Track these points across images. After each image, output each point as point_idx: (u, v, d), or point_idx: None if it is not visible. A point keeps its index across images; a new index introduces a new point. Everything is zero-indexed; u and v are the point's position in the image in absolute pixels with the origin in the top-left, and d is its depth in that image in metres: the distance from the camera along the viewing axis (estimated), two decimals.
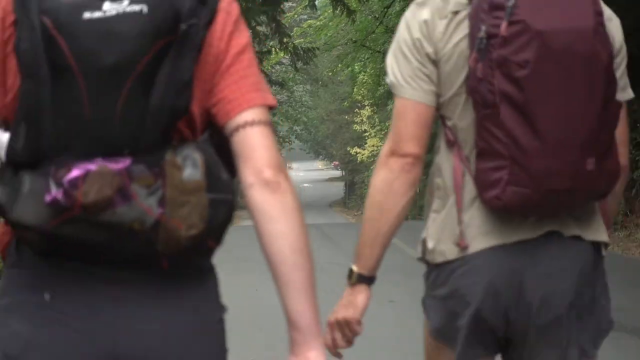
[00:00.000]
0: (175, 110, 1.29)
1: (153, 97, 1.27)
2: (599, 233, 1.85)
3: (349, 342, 1.96)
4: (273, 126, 1.40)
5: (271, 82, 22.84)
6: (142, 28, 1.26)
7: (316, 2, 19.41)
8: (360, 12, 20.56)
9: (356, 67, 24.07)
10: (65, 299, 1.31)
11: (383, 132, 30.62)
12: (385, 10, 19.98)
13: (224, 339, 1.53)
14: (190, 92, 1.31)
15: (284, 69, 34.02)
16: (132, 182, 1.25)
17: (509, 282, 1.77)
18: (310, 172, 68.94)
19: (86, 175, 1.23)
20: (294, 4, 29.45)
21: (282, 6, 18.53)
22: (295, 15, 26.90)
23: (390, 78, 1.84)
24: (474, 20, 1.72)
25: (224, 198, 1.32)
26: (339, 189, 49.10)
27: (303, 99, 43.28)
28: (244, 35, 1.40)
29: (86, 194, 1.22)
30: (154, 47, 1.26)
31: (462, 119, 1.79)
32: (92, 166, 1.24)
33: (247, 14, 16.25)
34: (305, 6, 20.02)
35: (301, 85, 42.36)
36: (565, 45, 1.67)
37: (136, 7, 1.25)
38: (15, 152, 1.28)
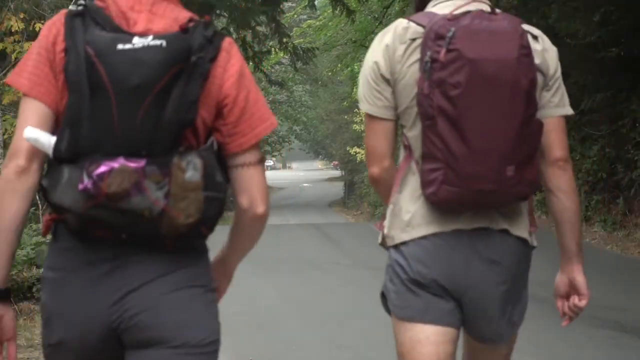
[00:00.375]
0: (183, 122, 1.65)
1: (166, 111, 1.62)
2: (524, 231, 2.23)
3: None
4: (264, 158, 1.83)
5: (271, 82, 22.79)
6: (161, 57, 1.60)
7: (316, 2, 19.39)
8: (359, 12, 20.56)
9: (356, 67, 24.04)
10: (87, 274, 1.68)
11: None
12: (385, 10, 20.00)
13: (215, 305, 1.82)
14: (196, 109, 1.66)
15: (283, 68, 34.04)
16: (146, 178, 1.59)
17: (453, 261, 2.11)
18: (310, 172, 68.94)
19: (110, 171, 1.57)
20: (293, 4, 29.45)
21: (281, 6, 18.53)
22: (295, 15, 26.89)
23: (359, 98, 2.23)
24: (423, 46, 2.05)
25: (217, 196, 1.67)
26: (338, 188, 49.11)
27: (303, 98, 43.31)
28: (247, 77, 1.79)
29: (109, 186, 1.57)
30: (169, 72, 1.61)
31: (413, 128, 2.12)
32: (116, 164, 1.58)
33: (247, 14, 16.27)
34: (305, 6, 20.00)
35: (301, 85, 42.38)
36: (492, 71, 1.99)
37: (157, 42, 1.61)
38: (60, 151, 1.64)
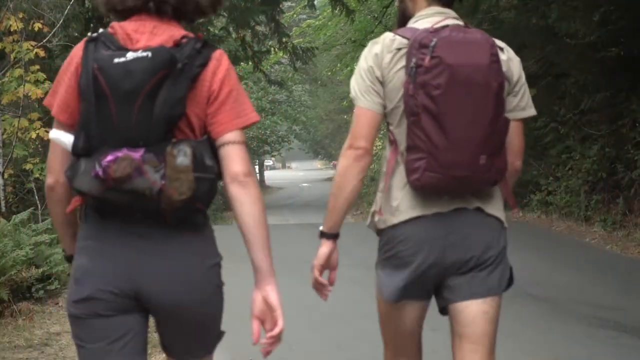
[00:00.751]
0: (170, 117, 1.99)
1: (156, 109, 1.96)
2: (497, 211, 2.54)
3: (321, 287, 2.74)
4: (247, 144, 2.14)
5: (270, 81, 22.79)
6: (147, 66, 1.94)
7: (315, 2, 19.39)
8: (359, 11, 20.54)
9: (355, 67, 24.04)
10: (109, 244, 2.06)
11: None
12: (385, 10, 19.98)
13: (219, 276, 2.16)
14: (182, 106, 2.00)
15: (283, 68, 34.01)
16: (145, 164, 1.94)
17: (434, 241, 2.46)
18: (310, 171, 68.90)
19: (116, 159, 1.93)
20: (293, 4, 29.43)
21: (281, 6, 18.52)
22: (295, 15, 26.86)
23: (352, 94, 2.54)
24: (409, 54, 2.40)
25: (207, 177, 2.01)
26: None
27: (302, 98, 43.29)
28: (233, 79, 2.11)
29: (115, 171, 1.93)
30: (155, 77, 1.95)
31: (399, 125, 2.48)
32: (120, 154, 1.94)
33: (247, 13, 16.27)
34: (305, 6, 19.99)
35: (300, 85, 42.38)
36: (467, 75, 2.34)
37: (144, 54, 1.96)
38: (77, 148, 2.03)
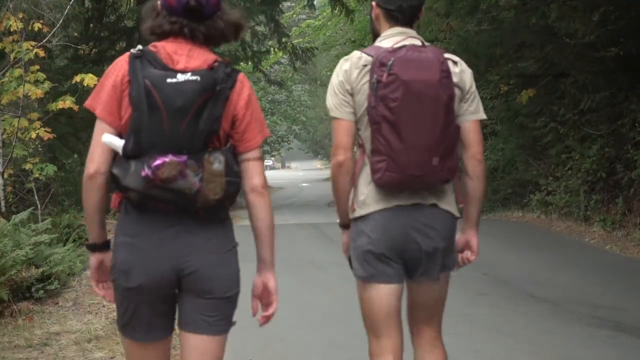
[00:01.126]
0: (211, 131, 2.38)
1: (200, 124, 2.35)
2: (450, 206, 2.94)
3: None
4: (263, 157, 2.60)
5: (270, 81, 22.82)
6: (197, 88, 2.33)
7: (315, 2, 19.39)
8: (358, 11, 20.56)
9: None
10: (147, 236, 2.42)
11: None
12: None
13: (237, 257, 2.54)
14: (220, 123, 2.40)
15: (282, 68, 34.03)
16: (187, 168, 2.31)
17: (397, 230, 2.87)
18: (309, 171, 68.86)
19: (163, 163, 2.29)
20: (292, 4, 29.43)
21: (280, 6, 18.52)
22: (294, 15, 26.86)
23: (327, 107, 2.93)
24: (371, 71, 2.80)
25: (235, 180, 2.41)
26: None
27: (302, 98, 43.28)
28: (254, 99, 2.51)
29: (162, 173, 2.29)
30: (201, 98, 2.34)
31: (365, 130, 2.87)
32: (167, 159, 2.30)
33: (246, 13, 16.21)
34: (304, 6, 20.02)
35: (300, 85, 42.38)
36: (420, 89, 2.73)
37: (194, 77, 2.34)
38: (127, 151, 2.35)
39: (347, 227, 3.06)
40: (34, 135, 9.70)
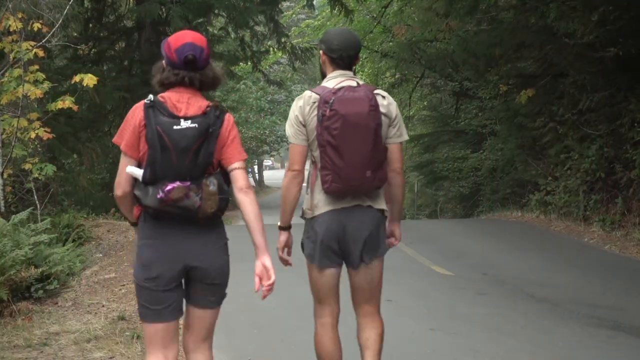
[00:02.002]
0: (207, 163, 3.19)
1: (199, 158, 3.16)
2: (381, 205, 3.80)
3: (285, 261, 3.96)
4: (246, 167, 3.39)
5: (269, 81, 22.76)
6: (196, 133, 3.14)
7: (314, 2, 19.35)
8: (358, 11, 20.55)
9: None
10: (163, 243, 3.21)
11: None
12: (383, 10, 19.98)
13: (227, 250, 3.35)
14: (213, 156, 3.20)
15: (281, 68, 34.03)
16: (190, 191, 3.12)
17: (338, 227, 3.72)
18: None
19: (173, 188, 3.09)
20: (292, 4, 29.41)
21: (280, 6, 18.51)
22: (293, 15, 26.86)
23: (287, 135, 3.77)
24: (318, 107, 3.65)
25: (225, 197, 3.22)
26: None
27: None
28: (235, 130, 3.31)
29: (173, 195, 3.09)
30: (199, 140, 3.15)
31: (316, 151, 3.70)
32: (175, 185, 3.09)
33: (246, 13, 16.24)
34: (303, 6, 20.00)
35: (299, 85, 42.33)
36: (354, 120, 3.59)
37: (193, 125, 3.14)
38: (145, 179, 3.15)
39: (287, 229, 3.90)
40: (33, 135, 9.70)
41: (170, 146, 3.11)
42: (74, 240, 10.00)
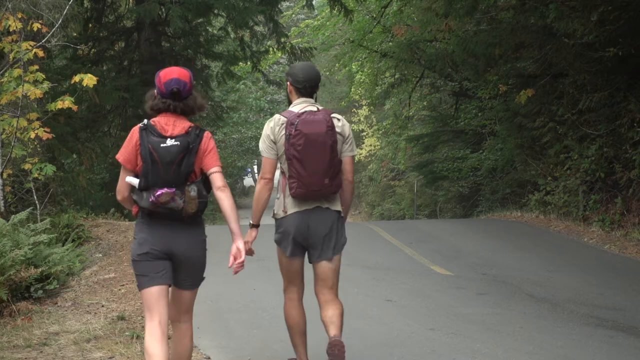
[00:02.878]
0: (188, 173, 3.96)
1: (182, 169, 3.94)
2: (337, 207, 4.60)
3: (251, 251, 4.62)
4: (223, 171, 4.13)
5: (269, 81, 22.77)
6: (178, 149, 3.93)
7: (313, 2, 19.34)
8: (357, 11, 20.53)
9: (353, 67, 24.00)
10: (154, 231, 4.01)
11: (380, 132, 30.55)
12: (383, 10, 19.98)
13: (205, 245, 4.14)
14: (193, 167, 3.98)
15: (281, 68, 34.01)
16: (175, 196, 3.92)
17: (303, 224, 4.54)
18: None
19: (162, 194, 3.89)
20: (291, 4, 29.43)
21: (279, 6, 18.51)
22: (293, 15, 26.87)
23: (260, 149, 4.55)
24: (286, 128, 4.46)
25: (204, 200, 4.03)
26: None
27: None
28: (213, 144, 4.06)
29: (161, 199, 3.90)
30: (180, 154, 3.93)
31: (284, 163, 4.52)
32: (163, 191, 3.90)
33: (245, 13, 16.24)
34: (303, 6, 19.99)
35: None
36: (314, 138, 4.39)
37: (175, 142, 3.93)
38: (140, 186, 3.96)
39: (257, 227, 4.69)
40: (33, 135, 9.69)
41: (158, 160, 3.93)
42: (73, 240, 10.00)
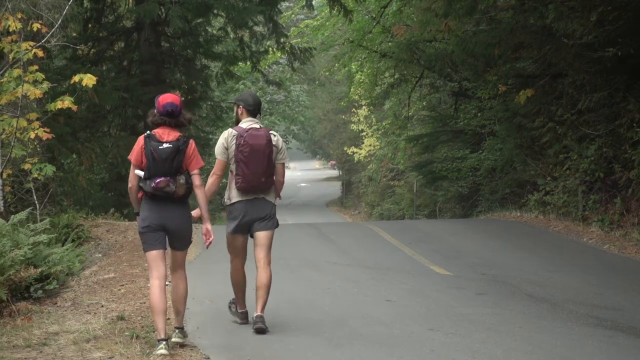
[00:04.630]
0: (178, 167, 5.55)
1: (174, 164, 5.53)
2: (271, 199, 6.08)
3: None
4: (201, 174, 5.77)
5: (268, 81, 22.75)
6: (171, 150, 5.51)
7: (313, 2, 19.33)
8: (357, 11, 20.52)
9: (353, 67, 23.98)
10: (155, 209, 5.56)
11: (380, 132, 30.55)
12: (382, 10, 19.97)
13: (191, 220, 5.74)
14: (182, 163, 5.58)
15: (281, 68, 34.01)
16: (170, 182, 5.50)
17: (247, 211, 6.00)
18: (308, 171, 68.78)
19: (160, 181, 5.47)
20: (291, 4, 29.42)
21: (279, 6, 18.51)
22: (292, 15, 26.85)
23: (215, 153, 6.08)
24: (236, 139, 5.97)
25: (189, 186, 5.60)
26: (335, 188, 49.02)
27: (300, 98, 43.21)
28: (195, 148, 5.65)
29: (160, 185, 5.47)
30: (172, 154, 5.52)
31: (233, 164, 5.99)
32: (162, 179, 5.47)
33: (245, 13, 16.24)
34: (302, 6, 19.99)
35: (298, 85, 42.35)
36: (256, 148, 5.92)
37: (169, 145, 5.51)
38: (145, 177, 5.52)
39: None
40: (32, 135, 9.70)
41: (158, 158, 5.42)
42: (73, 240, 10.00)
